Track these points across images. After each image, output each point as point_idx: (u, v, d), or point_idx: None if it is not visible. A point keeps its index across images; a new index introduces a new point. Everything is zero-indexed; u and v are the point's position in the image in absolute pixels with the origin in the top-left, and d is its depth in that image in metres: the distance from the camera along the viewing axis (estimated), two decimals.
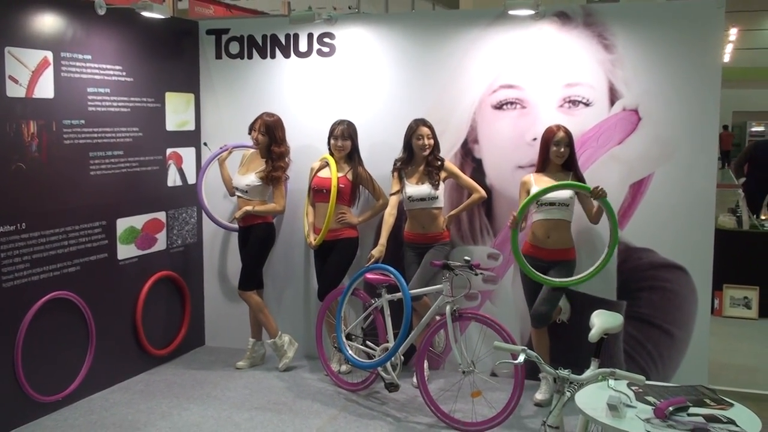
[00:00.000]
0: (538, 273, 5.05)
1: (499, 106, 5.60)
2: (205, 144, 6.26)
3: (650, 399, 3.16)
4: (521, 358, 3.08)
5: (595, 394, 3.16)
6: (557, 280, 5.04)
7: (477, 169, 5.68)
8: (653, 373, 5.31)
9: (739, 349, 6.65)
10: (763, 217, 8.17)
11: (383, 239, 5.41)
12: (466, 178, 5.50)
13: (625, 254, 5.39)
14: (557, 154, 5.07)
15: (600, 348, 3.58)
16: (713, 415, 3.02)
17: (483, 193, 5.46)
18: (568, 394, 3.09)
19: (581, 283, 5.13)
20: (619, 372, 3.00)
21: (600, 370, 3.05)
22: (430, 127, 5.38)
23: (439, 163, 5.40)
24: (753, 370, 6.12)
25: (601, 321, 3.62)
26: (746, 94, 21.92)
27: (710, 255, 5.26)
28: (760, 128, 26.91)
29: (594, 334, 3.54)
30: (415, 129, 5.36)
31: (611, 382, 3.13)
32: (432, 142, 5.37)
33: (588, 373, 3.27)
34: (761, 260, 7.67)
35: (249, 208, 5.68)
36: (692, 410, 3.05)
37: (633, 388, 3.25)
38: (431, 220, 5.43)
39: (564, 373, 3.07)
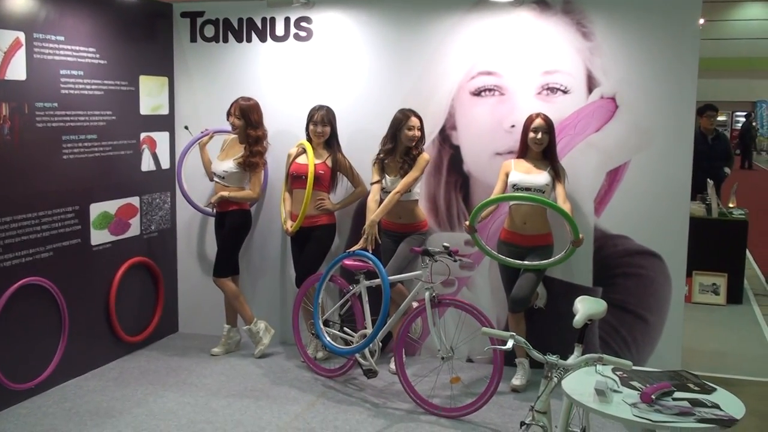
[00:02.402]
0: (511, 259, 5.08)
1: (478, 93, 5.60)
2: (186, 128, 6.15)
3: (635, 384, 3.18)
4: (510, 343, 3.08)
5: (581, 379, 3.17)
6: (527, 262, 5.06)
7: (455, 156, 5.67)
8: (627, 359, 5.31)
9: (708, 335, 6.75)
10: (731, 205, 8.28)
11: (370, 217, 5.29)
12: (410, 176, 5.25)
13: (601, 241, 5.43)
14: (535, 140, 5.08)
15: (584, 334, 3.59)
16: (698, 400, 3.05)
17: (397, 192, 5.22)
18: (555, 379, 3.10)
19: (551, 266, 5.15)
20: (607, 357, 3.01)
21: (588, 355, 3.06)
22: (420, 119, 5.33)
23: (416, 152, 5.34)
24: (723, 355, 6.21)
25: (585, 307, 3.63)
26: (709, 84, 22.25)
27: (685, 242, 5.31)
28: (722, 117, 27.29)
29: (578, 319, 3.54)
30: (405, 120, 5.28)
31: (599, 367, 3.14)
32: (420, 133, 5.32)
33: (574, 358, 3.27)
34: (729, 247, 7.78)
35: (225, 193, 5.62)
36: (677, 395, 3.08)
37: (618, 373, 3.27)
38: (407, 212, 5.40)
39: (552, 358, 3.07)
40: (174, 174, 6.16)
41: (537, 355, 3.09)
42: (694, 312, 7.24)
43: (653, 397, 3.00)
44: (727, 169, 8.83)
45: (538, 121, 5.07)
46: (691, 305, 7.46)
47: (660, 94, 5.25)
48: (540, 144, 5.09)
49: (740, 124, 27.98)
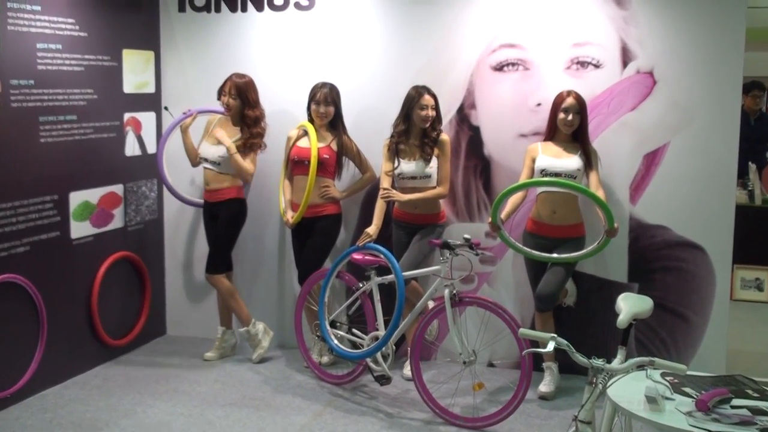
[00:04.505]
0: (540, 253, 5.05)
1: (499, 68, 5.56)
2: (166, 108, 6.11)
3: (688, 390, 3.16)
4: (551, 346, 3.05)
5: (628, 386, 3.15)
6: (555, 255, 5.03)
7: (474, 138, 5.65)
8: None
9: (753, 335, 6.75)
10: None
11: (377, 220, 5.36)
12: (446, 168, 5.36)
13: (637, 232, 5.41)
14: (565, 122, 5.04)
15: (628, 335, 3.57)
16: (759, 407, 3.03)
17: (445, 191, 5.35)
18: (600, 385, 3.08)
19: (583, 258, 5.12)
20: (659, 361, 2.99)
21: (638, 359, 3.03)
22: (435, 97, 5.29)
23: (435, 134, 5.32)
24: None
25: (629, 305, 3.61)
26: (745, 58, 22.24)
27: (730, 233, 5.30)
28: None
29: (622, 319, 3.52)
30: (418, 98, 5.24)
31: (650, 372, 3.12)
32: (434, 113, 5.29)
33: (618, 362, 3.26)
34: None
35: (232, 148, 5.54)
36: (735, 402, 3.06)
37: (668, 378, 3.26)
38: (425, 201, 5.36)
39: (598, 362, 3.05)
40: None
41: (581, 358, 3.06)
42: (735, 310, 7.20)
43: (710, 404, 2.98)
44: None
45: (569, 101, 5.04)
46: (732, 302, 7.43)
47: (703, 69, 5.22)
48: (570, 126, 5.06)
49: None
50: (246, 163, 5.60)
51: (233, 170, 5.63)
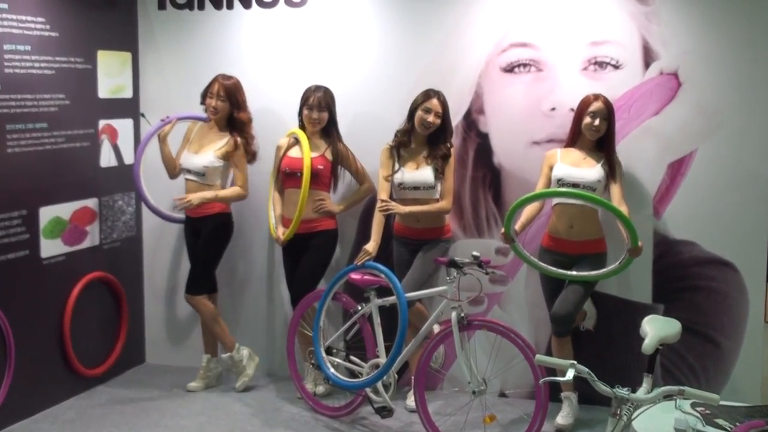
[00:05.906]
0: (557, 269, 5.04)
1: (510, 69, 5.58)
2: (143, 115, 6.14)
3: (721, 422, 3.17)
4: (570, 374, 3.05)
5: (655, 417, 3.16)
6: (573, 273, 5.03)
7: (483, 146, 5.66)
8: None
9: None
10: None
11: (376, 236, 5.36)
12: (450, 181, 5.37)
13: (662, 248, 5.42)
14: (591, 127, 5.05)
15: (654, 362, 3.57)
16: None
17: (448, 206, 5.36)
18: (625, 417, 3.07)
19: (604, 278, 5.12)
20: (689, 390, 2.98)
21: (667, 387, 3.03)
22: (444, 104, 5.30)
23: (445, 149, 5.32)
24: None
25: (655, 329, 3.61)
26: None
27: (764, 248, 5.30)
28: None
29: (648, 344, 3.52)
30: (423, 99, 5.26)
31: (679, 402, 3.12)
32: (438, 122, 5.29)
33: (644, 392, 3.25)
34: None
35: (209, 194, 5.56)
36: None
37: (699, 409, 3.25)
38: (428, 214, 5.36)
39: (622, 392, 3.04)
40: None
41: (603, 387, 3.06)
42: None
43: None
44: None
45: (597, 105, 5.04)
46: (766, 325, 7.42)
47: (732, 69, 5.23)
48: (597, 132, 5.06)
49: None
50: (234, 190, 5.69)
51: (217, 181, 5.64)
